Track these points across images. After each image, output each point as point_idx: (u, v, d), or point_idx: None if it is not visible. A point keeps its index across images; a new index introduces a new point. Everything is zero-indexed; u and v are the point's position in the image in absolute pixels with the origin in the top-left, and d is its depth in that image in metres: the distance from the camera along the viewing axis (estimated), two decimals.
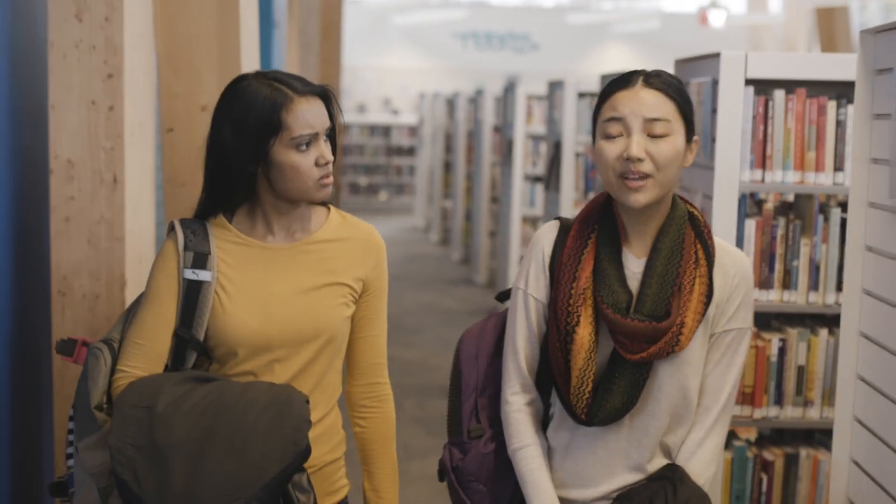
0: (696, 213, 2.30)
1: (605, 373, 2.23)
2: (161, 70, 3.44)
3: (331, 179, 2.33)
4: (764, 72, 3.33)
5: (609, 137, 2.19)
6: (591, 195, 6.87)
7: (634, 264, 2.26)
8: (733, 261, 2.29)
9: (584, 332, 2.22)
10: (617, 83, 2.23)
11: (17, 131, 3.03)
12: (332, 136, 2.35)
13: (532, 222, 9.32)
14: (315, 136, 2.29)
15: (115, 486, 2.24)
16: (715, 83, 3.36)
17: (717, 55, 3.34)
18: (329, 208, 2.46)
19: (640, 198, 2.18)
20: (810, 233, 3.38)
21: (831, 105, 3.34)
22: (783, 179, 3.36)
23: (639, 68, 2.27)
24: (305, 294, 2.37)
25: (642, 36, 23.32)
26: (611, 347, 2.23)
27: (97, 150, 2.98)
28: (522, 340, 2.35)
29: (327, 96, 2.34)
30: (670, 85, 2.23)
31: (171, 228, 2.37)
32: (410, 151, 20.30)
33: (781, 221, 3.38)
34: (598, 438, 2.29)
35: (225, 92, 2.34)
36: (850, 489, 2.51)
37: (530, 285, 2.34)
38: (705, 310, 2.22)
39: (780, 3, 19.54)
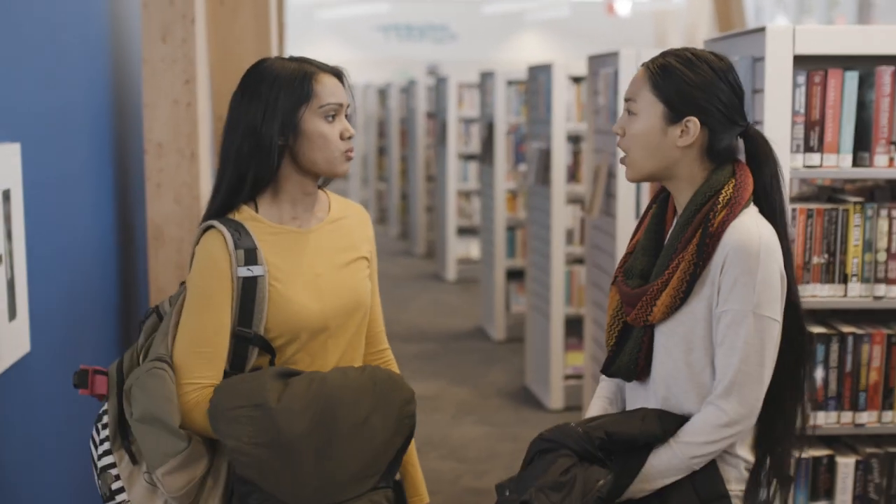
0: (726, 189, 2.24)
1: (625, 333, 2.37)
2: (212, 74, 4.62)
3: (353, 154, 2.39)
4: None
5: None
6: (521, 168, 8.16)
7: None
8: (734, 237, 2.20)
9: (614, 291, 2.39)
10: None
11: (118, 124, 4.17)
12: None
13: (466, 196, 10.58)
14: (340, 109, 2.36)
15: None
16: (617, 72, 4.63)
17: (616, 53, 4.62)
18: (324, 190, 2.52)
19: (627, 174, 2.33)
20: None
21: None
22: None
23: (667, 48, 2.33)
24: (342, 269, 2.43)
25: (554, 24, 24.66)
26: None
27: (180, 135, 4.12)
28: None
29: (342, 77, 2.41)
30: (663, 67, 2.26)
31: (206, 230, 2.36)
32: None
33: None
34: (629, 394, 2.43)
35: (249, 75, 2.39)
36: None
37: None
38: (687, 287, 2.22)
39: None
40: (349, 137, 2.37)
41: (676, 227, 2.27)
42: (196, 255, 2.34)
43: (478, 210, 10.41)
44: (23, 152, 2.78)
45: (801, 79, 3.08)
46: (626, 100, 2.31)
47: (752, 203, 2.28)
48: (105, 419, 2.34)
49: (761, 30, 3.08)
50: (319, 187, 2.48)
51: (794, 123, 3.09)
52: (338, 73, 2.39)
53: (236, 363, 2.33)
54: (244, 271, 2.30)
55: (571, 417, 6.13)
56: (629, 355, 2.33)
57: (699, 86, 2.22)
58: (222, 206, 2.38)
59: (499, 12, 24.02)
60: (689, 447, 2.23)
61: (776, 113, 3.06)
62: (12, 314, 2.63)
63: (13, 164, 2.70)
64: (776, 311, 2.22)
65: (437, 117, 10.96)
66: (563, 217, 6.32)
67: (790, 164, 3.09)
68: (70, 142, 3.43)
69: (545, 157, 6.34)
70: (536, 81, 6.64)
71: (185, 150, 4.15)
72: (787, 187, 3.09)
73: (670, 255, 2.25)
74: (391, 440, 2.29)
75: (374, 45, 24.77)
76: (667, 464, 2.24)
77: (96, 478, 2.35)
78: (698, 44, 17.26)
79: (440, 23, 24.93)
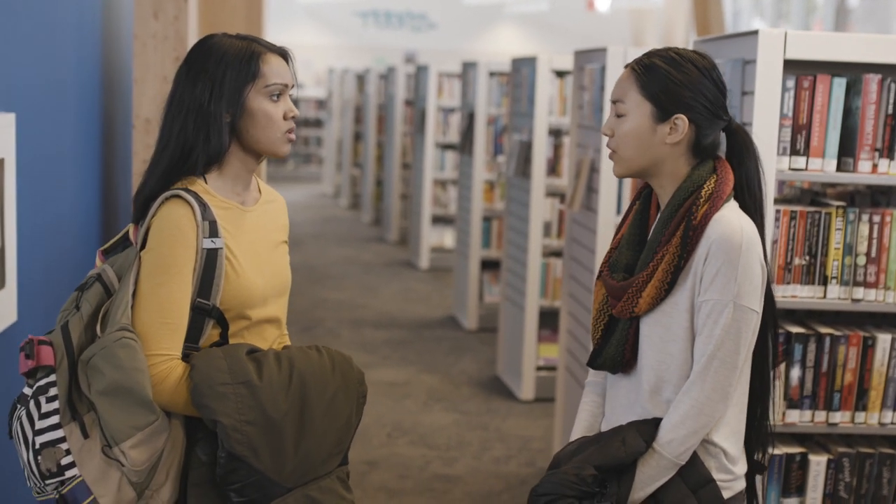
0: (708, 184, 2.31)
1: (611, 326, 2.42)
2: None
3: (294, 136, 2.42)
4: None
5: None
6: (500, 159, 8.19)
7: None
8: (717, 229, 2.26)
9: (600, 285, 2.45)
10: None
11: (107, 99, 4.17)
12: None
13: (442, 184, 10.61)
14: (285, 89, 2.38)
15: (144, 476, 2.21)
16: (603, 68, 4.67)
17: (604, 49, 4.66)
18: None
19: (615, 170, 2.39)
20: None
21: None
22: None
23: (651, 49, 2.39)
24: (275, 250, 2.48)
25: (533, 17, 24.70)
26: None
27: None
28: None
29: (288, 57, 2.42)
30: (648, 67, 2.31)
31: (168, 199, 2.30)
32: (317, 123, 21.43)
33: None
34: (612, 386, 2.47)
35: (195, 51, 2.39)
36: None
37: None
38: (671, 279, 2.28)
39: None
40: (292, 117, 2.40)
41: (659, 221, 2.33)
42: (161, 224, 2.28)
43: (453, 199, 10.45)
44: (17, 123, 2.78)
45: (791, 83, 3.12)
46: (614, 101, 2.36)
47: (732, 198, 2.35)
48: (52, 391, 2.22)
49: (753, 33, 3.13)
50: None
51: (781, 126, 3.13)
52: (283, 54, 2.41)
53: (192, 335, 2.31)
54: (208, 243, 2.28)
55: (542, 409, 6.21)
56: (615, 347, 2.38)
57: (685, 84, 2.29)
58: (163, 180, 2.35)
59: (478, 3, 24.02)
60: (672, 445, 2.29)
61: (764, 115, 3.10)
62: (1, 283, 2.64)
63: (8, 134, 2.70)
64: (755, 302, 2.29)
65: (415, 105, 10.98)
66: (541, 209, 6.36)
67: (776, 166, 3.14)
68: (61, 115, 3.43)
69: (526, 150, 6.38)
70: (520, 74, 6.67)
71: None
72: (773, 185, 3.15)
73: (654, 248, 2.31)
74: (351, 419, 2.38)
75: (351, 30, 24.73)
76: (656, 468, 2.30)
77: (31, 455, 2.21)
78: (676, 43, 17.38)
79: (419, 11, 24.90)
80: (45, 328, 3.18)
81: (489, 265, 8.40)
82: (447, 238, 10.79)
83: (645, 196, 2.44)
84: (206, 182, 2.37)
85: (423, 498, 4.83)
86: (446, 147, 10.51)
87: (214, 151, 2.34)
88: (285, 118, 2.37)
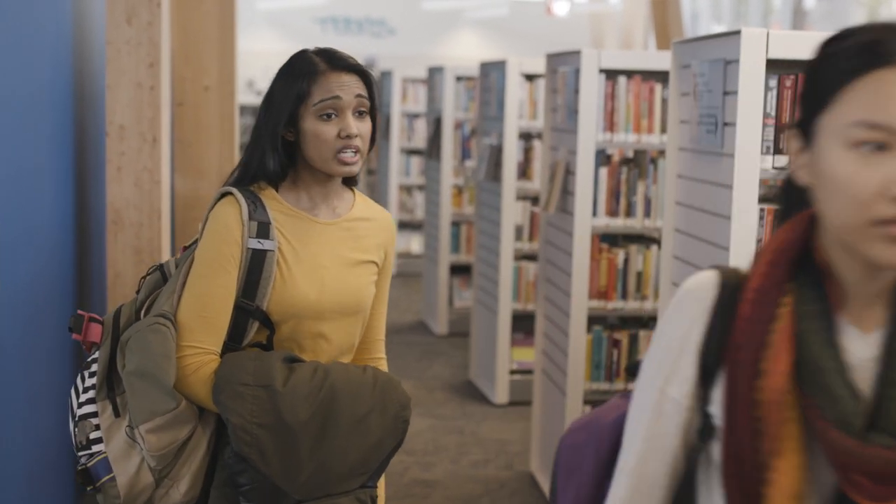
0: None
1: None
2: (174, 59, 4.58)
3: (350, 157, 2.33)
4: (612, 63, 4.68)
5: (859, 149, 1.30)
6: (468, 164, 8.17)
7: (859, 345, 1.38)
8: None
9: (789, 467, 1.36)
10: (868, 58, 1.30)
11: (78, 106, 4.13)
12: (373, 116, 2.39)
13: (408, 190, 10.59)
14: (340, 108, 2.33)
15: (149, 468, 2.25)
16: (577, 71, 4.68)
17: (578, 52, 4.66)
18: (353, 189, 2.52)
19: None
20: (644, 177, 4.76)
21: (658, 87, 4.72)
22: (625, 139, 4.73)
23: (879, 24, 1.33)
24: (349, 269, 2.41)
25: (492, 22, 24.75)
26: (831, 485, 1.38)
27: (142, 119, 4.09)
28: (650, 463, 1.49)
29: (365, 75, 2.38)
30: None
31: (221, 196, 2.36)
32: None
33: (624, 169, 4.76)
34: None
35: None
36: None
37: (669, 379, 1.47)
38: None
39: None
40: (347, 136, 2.32)
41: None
42: (210, 220, 2.34)
43: (419, 204, 10.43)
44: None
45: (773, 82, 3.14)
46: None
47: None
48: (94, 367, 2.31)
49: (736, 33, 3.14)
50: (348, 186, 2.50)
51: (764, 125, 3.15)
52: (358, 71, 2.37)
53: (235, 335, 2.32)
54: (254, 243, 2.30)
55: (517, 412, 6.20)
56: None
57: None
58: (241, 178, 2.41)
59: (437, 9, 24.02)
60: None
61: (748, 115, 3.12)
62: None
63: None
64: None
65: (380, 111, 10.95)
66: (513, 213, 6.36)
67: (760, 165, 3.15)
68: (34, 123, 3.39)
69: (496, 154, 6.38)
70: (488, 78, 6.67)
71: (146, 135, 4.12)
72: (757, 185, 3.16)
73: None
74: (384, 441, 2.31)
75: (312, 37, 24.63)
76: None
77: (72, 426, 2.31)
78: (636, 47, 17.43)
79: (378, 17, 24.88)
80: (25, 341, 3.14)
81: (459, 270, 8.38)
82: (413, 243, 10.78)
83: (809, 283, 1.40)
84: (277, 189, 2.39)
85: (403, 503, 4.83)
86: (412, 152, 10.50)
87: (267, 171, 2.36)
88: (339, 136, 2.32)
